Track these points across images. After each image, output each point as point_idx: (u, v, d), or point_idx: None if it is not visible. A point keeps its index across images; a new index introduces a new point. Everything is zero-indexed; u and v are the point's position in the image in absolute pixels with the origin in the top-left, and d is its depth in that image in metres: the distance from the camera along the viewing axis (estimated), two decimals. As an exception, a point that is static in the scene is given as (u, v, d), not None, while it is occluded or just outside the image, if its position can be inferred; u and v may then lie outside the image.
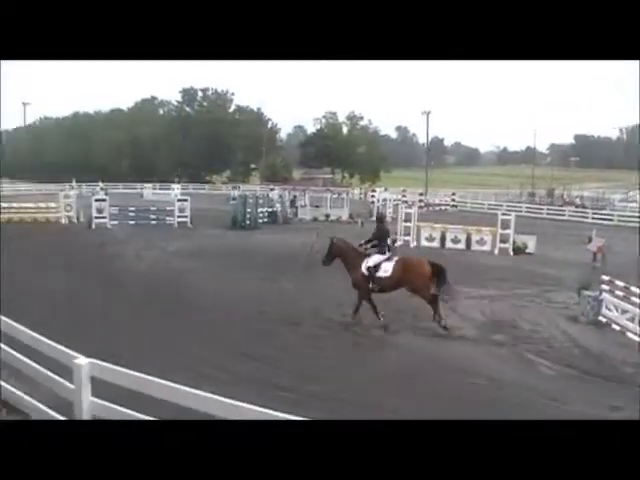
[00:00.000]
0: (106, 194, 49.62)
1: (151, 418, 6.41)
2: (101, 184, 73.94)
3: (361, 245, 16.38)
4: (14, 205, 40.34)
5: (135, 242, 30.61)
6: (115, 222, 37.68)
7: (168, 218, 39.39)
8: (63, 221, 39.02)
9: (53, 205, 40.28)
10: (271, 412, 5.42)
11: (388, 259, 16.04)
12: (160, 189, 77.91)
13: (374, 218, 46.13)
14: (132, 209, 39.98)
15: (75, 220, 39.45)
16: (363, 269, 15.94)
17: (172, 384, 6.22)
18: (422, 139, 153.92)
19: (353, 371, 12.19)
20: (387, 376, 11.98)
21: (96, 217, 37.41)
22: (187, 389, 6.06)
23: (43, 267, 23.06)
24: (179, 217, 39.40)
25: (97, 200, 38.91)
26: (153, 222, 38.69)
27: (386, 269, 15.83)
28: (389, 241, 16.54)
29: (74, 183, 74.66)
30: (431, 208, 61.61)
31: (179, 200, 41.38)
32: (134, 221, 38.41)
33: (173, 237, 32.87)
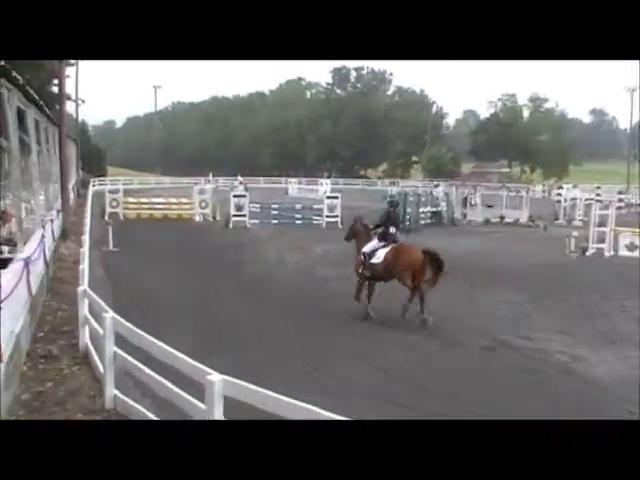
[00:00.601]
0: (246, 189, 51.10)
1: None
2: (240, 178, 76.04)
3: (372, 229, 18.35)
4: (143, 200, 42.39)
5: (277, 244, 31.41)
6: (255, 221, 38.81)
7: (316, 218, 40.06)
8: (197, 219, 40.71)
9: (186, 201, 42.07)
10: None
11: (385, 246, 17.56)
12: (307, 184, 79.17)
13: (560, 221, 45.19)
14: (275, 207, 41.02)
15: (210, 218, 40.89)
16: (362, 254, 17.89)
17: (310, 406, 6.29)
18: (624, 123, 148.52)
19: (531, 408, 11.82)
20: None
21: (234, 215, 38.64)
22: (325, 413, 6.11)
23: (173, 270, 24.02)
24: (328, 217, 39.86)
25: (236, 196, 40.04)
26: (298, 222, 39.55)
27: (379, 256, 17.43)
28: (392, 230, 17.86)
29: (210, 177, 77.25)
30: (633, 209, 59.10)
31: (328, 197, 41.98)
32: (277, 220, 39.37)
33: (320, 239, 33.28)
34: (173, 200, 42.71)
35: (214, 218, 41.06)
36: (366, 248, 17.63)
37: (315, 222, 39.65)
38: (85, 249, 18.29)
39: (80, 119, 76.26)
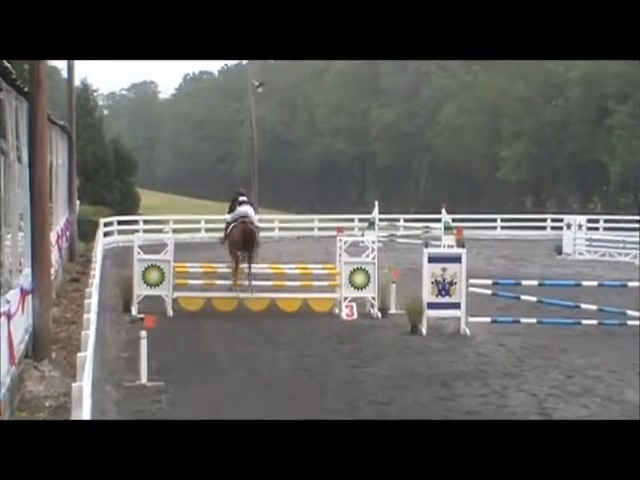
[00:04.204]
0: (462, 245, 27.42)
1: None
2: (445, 214, 35.47)
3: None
4: (218, 267, 20.63)
5: (536, 378, 13.78)
6: (482, 319, 17.42)
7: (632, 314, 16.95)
8: (345, 313, 19.12)
9: (321, 268, 21.00)
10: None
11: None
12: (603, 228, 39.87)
13: None
14: (529, 285, 18.81)
15: (375, 310, 18.97)
16: None
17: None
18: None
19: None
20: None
21: (431, 305, 17.24)
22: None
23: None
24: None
25: (434, 259, 17.63)
26: (587, 322, 17.25)
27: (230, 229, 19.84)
28: (242, 209, 18.89)
29: (375, 212, 37.20)
30: None
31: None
32: (534, 319, 17.17)
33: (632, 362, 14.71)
34: (287, 268, 21.08)
35: (383, 311, 18.91)
36: (230, 217, 19.21)
37: (632, 323, 17.08)
38: (82, 383, 7.68)
39: (78, 83, 41.40)
